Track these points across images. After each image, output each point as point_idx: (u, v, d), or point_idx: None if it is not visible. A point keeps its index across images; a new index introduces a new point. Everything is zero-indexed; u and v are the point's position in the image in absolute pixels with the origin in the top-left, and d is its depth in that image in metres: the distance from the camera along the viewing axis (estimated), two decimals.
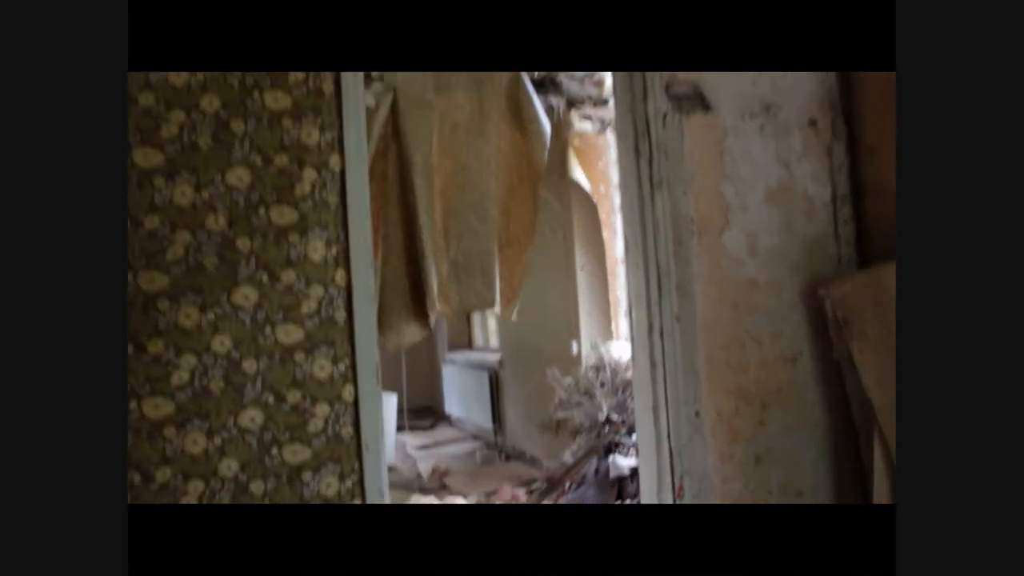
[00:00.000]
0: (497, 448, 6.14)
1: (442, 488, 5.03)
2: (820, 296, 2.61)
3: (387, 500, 2.06)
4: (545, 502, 4.01)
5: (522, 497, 4.34)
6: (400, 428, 7.25)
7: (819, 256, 2.79)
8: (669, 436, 2.39)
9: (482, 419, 6.37)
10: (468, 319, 7.54)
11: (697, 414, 2.43)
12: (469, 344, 7.59)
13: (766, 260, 2.65)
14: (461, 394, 7.12)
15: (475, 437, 6.77)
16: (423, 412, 8.16)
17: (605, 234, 4.84)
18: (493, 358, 6.47)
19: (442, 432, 7.35)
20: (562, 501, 3.90)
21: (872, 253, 2.84)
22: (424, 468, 5.60)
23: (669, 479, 2.38)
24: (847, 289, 2.60)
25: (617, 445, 3.80)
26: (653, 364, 2.45)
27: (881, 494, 2.02)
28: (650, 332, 2.44)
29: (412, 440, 7.08)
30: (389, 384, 8.01)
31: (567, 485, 3.86)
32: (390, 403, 6.31)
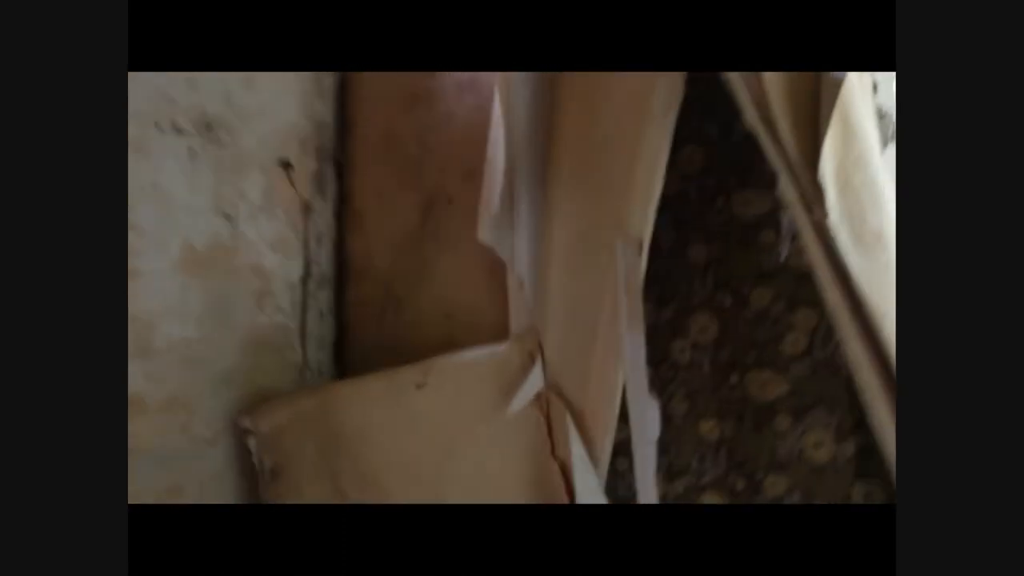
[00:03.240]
0: None
1: None
2: (243, 430, 1.66)
3: None
4: None
5: None
6: None
7: (271, 364, 1.84)
8: None
9: None
10: None
11: None
12: None
13: (169, 364, 1.62)
14: None
15: None
16: None
17: None
18: None
19: None
20: None
21: (354, 362, 1.97)
22: None
23: None
24: (283, 420, 1.67)
25: None
26: None
27: None
28: None
29: None
30: None
31: None
32: None
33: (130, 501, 1.26)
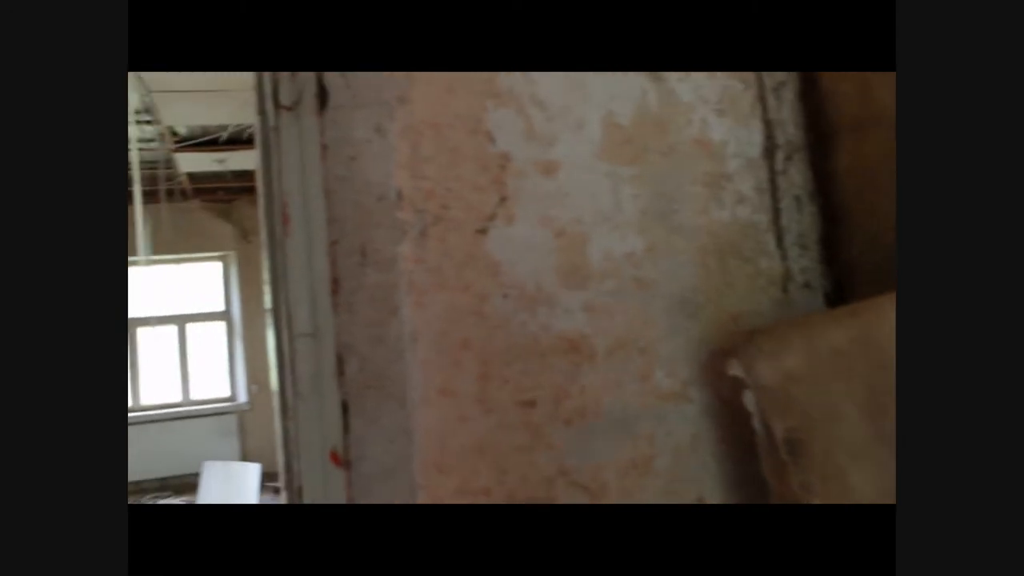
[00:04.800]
0: None
1: None
2: (732, 379, 1.14)
3: None
4: None
5: None
6: None
7: (741, 278, 1.31)
8: None
9: None
10: None
11: None
12: None
13: (610, 292, 1.17)
14: None
15: None
16: None
17: None
18: None
19: None
20: None
21: (857, 265, 1.35)
22: None
23: None
24: (799, 363, 1.12)
25: None
26: None
27: None
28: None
29: None
30: (268, 439, 6.93)
31: None
32: (247, 474, 5.24)
33: (577, 479, 1.19)
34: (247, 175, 6.45)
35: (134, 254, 4.63)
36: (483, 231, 1.15)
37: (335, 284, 1.01)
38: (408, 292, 1.08)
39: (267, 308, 1.10)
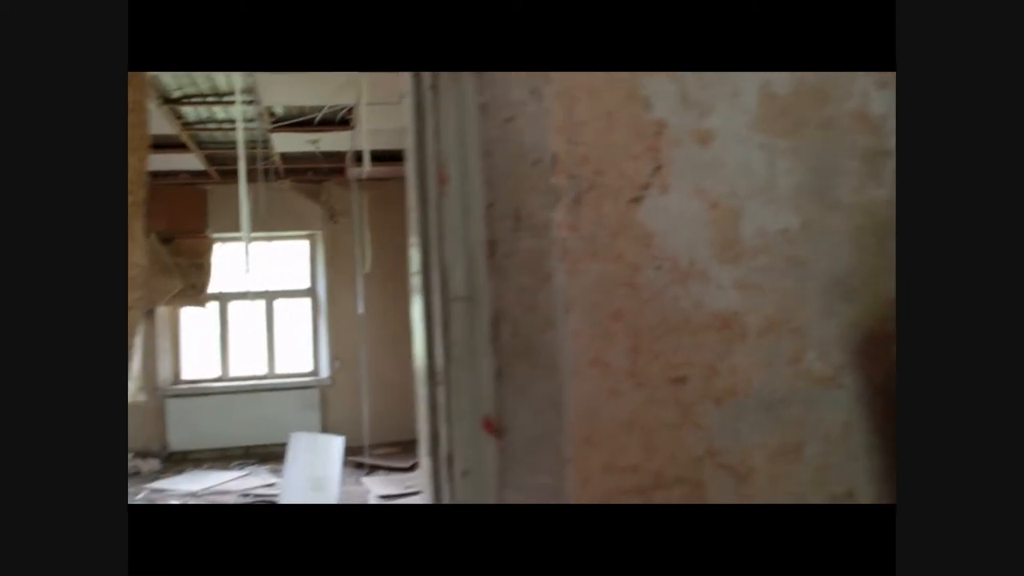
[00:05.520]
0: None
1: None
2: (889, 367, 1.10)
3: None
4: None
5: None
6: (366, 468, 6.07)
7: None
8: None
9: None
10: None
11: None
12: None
13: (764, 269, 1.12)
14: None
15: None
16: (407, 447, 6.73)
17: None
18: None
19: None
20: None
21: None
22: None
23: None
24: None
25: None
26: None
27: None
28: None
29: (379, 487, 5.74)
30: (347, 414, 7.01)
31: None
32: (332, 446, 5.29)
33: (726, 460, 1.16)
34: (337, 156, 6.57)
35: (237, 231, 4.76)
36: (637, 200, 1.11)
37: (491, 247, 0.99)
38: (561, 259, 1.05)
39: (414, 271, 1.09)
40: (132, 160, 1.82)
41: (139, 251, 1.85)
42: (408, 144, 1.08)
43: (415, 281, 1.08)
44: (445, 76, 1.01)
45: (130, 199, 1.81)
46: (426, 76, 1.03)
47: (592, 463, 1.04)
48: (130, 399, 2.03)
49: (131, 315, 1.81)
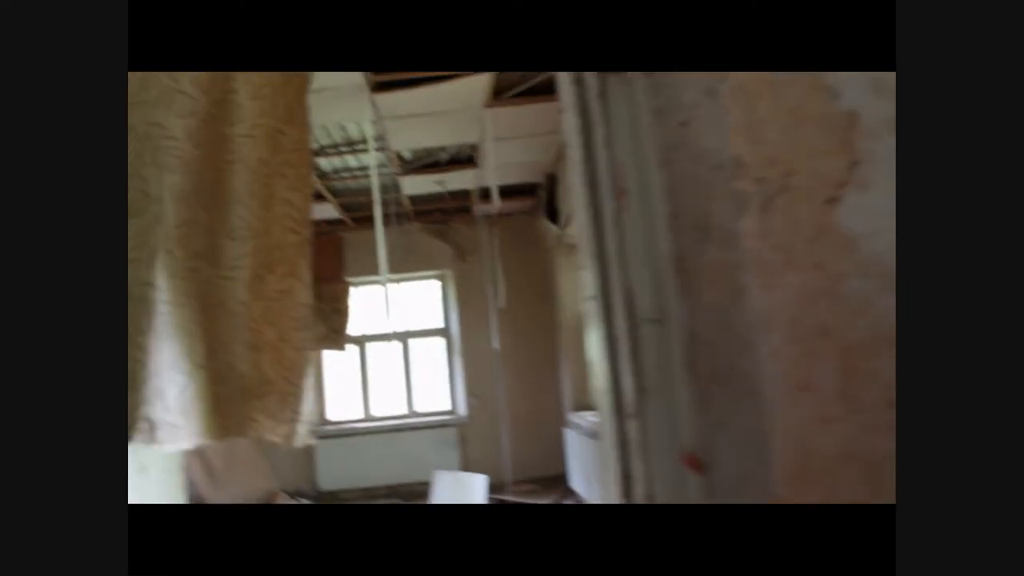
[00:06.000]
0: None
1: None
2: None
3: None
4: None
5: None
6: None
7: None
8: None
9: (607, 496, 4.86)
10: None
11: None
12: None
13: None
14: (582, 464, 5.62)
15: None
16: (547, 484, 6.61)
17: None
18: None
19: None
20: None
21: None
22: None
23: None
24: None
25: None
26: None
27: None
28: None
29: None
30: (486, 450, 7.00)
31: None
32: (476, 484, 5.17)
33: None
34: (462, 195, 6.68)
35: (371, 275, 4.88)
36: (833, 200, 0.99)
37: (679, 263, 0.90)
38: (754, 272, 0.95)
39: (590, 295, 1.01)
40: (297, 198, 1.87)
41: (305, 291, 1.89)
42: (573, 158, 1.02)
43: (591, 306, 1.01)
44: (613, 80, 0.93)
45: (298, 238, 1.86)
46: (592, 83, 0.96)
47: (806, 502, 0.92)
48: (301, 442, 2.06)
49: (299, 355, 1.85)
